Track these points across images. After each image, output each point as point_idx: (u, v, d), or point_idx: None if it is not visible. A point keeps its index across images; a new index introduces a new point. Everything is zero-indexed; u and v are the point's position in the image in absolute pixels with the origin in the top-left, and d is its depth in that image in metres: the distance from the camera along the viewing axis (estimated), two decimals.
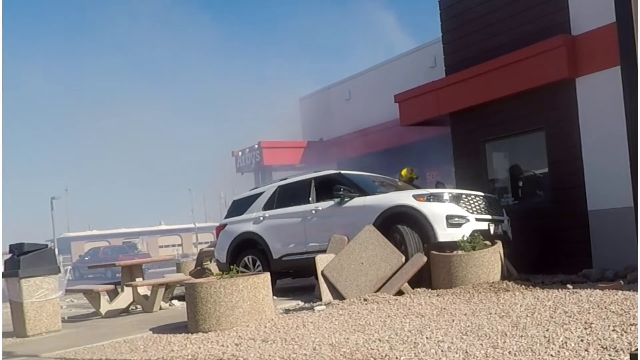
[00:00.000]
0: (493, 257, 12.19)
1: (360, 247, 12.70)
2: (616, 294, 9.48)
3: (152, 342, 9.57)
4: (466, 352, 6.79)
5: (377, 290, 12.19)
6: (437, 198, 13.03)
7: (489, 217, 13.41)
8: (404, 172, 17.73)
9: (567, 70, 14.09)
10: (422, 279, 12.55)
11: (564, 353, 6.34)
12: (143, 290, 14.60)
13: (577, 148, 14.12)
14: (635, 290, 9.47)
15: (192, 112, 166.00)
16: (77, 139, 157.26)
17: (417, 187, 15.76)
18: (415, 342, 7.49)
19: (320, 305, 11.83)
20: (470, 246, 12.30)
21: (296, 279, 17.12)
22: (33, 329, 11.77)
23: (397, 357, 6.87)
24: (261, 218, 15.54)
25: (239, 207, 16.57)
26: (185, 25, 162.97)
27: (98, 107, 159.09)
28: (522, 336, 7.27)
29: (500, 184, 16.42)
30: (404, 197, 13.31)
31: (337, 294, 12.46)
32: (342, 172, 15.19)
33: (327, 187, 14.48)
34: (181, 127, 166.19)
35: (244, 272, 13.37)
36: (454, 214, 12.80)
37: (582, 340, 6.72)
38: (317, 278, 12.92)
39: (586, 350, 6.35)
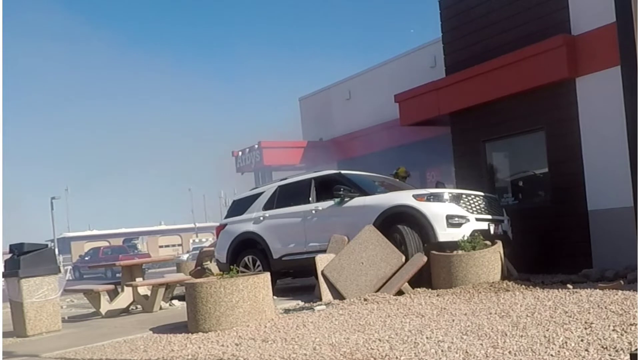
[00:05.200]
0: (493, 257, 12.18)
1: (360, 247, 12.69)
2: (616, 294, 9.48)
3: (152, 342, 9.55)
4: (466, 352, 6.77)
5: (377, 290, 12.18)
6: (437, 198, 13.00)
7: (489, 217, 13.39)
8: (402, 170, 17.72)
9: (567, 70, 14.10)
10: (422, 279, 12.52)
11: (564, 353, 6.32)
12: (143, 290, 14.58)
13: (577, 148, 14.13)
14: (636, 290, 9.46)
15: (193, 112, 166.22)
16: (77, 139, 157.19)
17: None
18: (415, 342, 7.47)
19: (321, 305, 11.86)
20: (471, 246, 12.29)
21: (296, 278, 17.15)
22: (33, 328, 11.76)
23: (397, 357, 6.84)
24: (261, 218, 15.51)
25: (239, 207, 16.55)
26: (186, 25, 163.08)
27: (98, 107, 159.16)
28: (522, 336, 7.26)
29: (500, 184, 16.42)
30: (404, 197, 13.28)
31: (337, 294, 12.47)
32: (342, 172, 15.18)
33: (327, 187, 14.47)
34: (181, 127, 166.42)
35: (244, 272, 13.35)
36: (454, 213, 12.77)
37: (582, 340, 6.70)
38: (317, 278, 12.93)
39: (586, 350, 6.34)
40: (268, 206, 15.62)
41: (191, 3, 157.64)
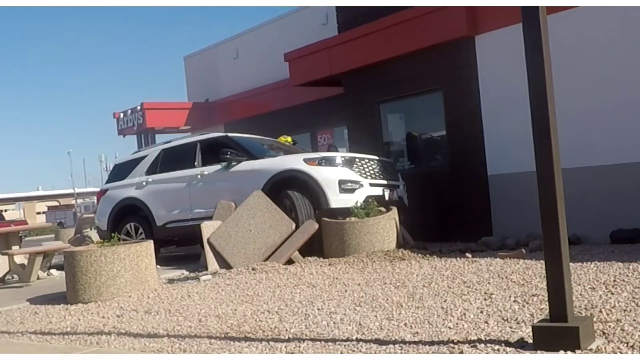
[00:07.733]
0: (388, 224, 12.02)
1: (248, 213, 12.57)
2: (517, 263, 9.43)
3: (30, 314, 9.53)
4: (360, 323, 6.69)
5: (266, 259, 12.06)
6: (329, 162, 12.86)
7: (384, 182, 13.29)
8: (285, 140, 17.35)
9: (465, 28, 13.82)
10: (314, 248, 12.44)
11: (463, 325, 6.20)
12: (20, 259, 14.20)
13: (477, 109, 13.92)
14: (538, 259, 9.32)
15: (74, 71, 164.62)
16: None
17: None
18: (306, 314, 7.47)
19: (206, 274, 11.76)
20: (364, 212, 12.13)
21: (181, 247, 17.03)
22: None
23: (286, 329, 6.80)
24: (144, 183, 15.29)
25: (121, 171, 16.33)
26: None
27: None
28: (418, 307, 7.18)
29: (396, 147, 16.27)
30: (295, 161, 13.15)
31: (224, 263, 12.39)
32: (229, 134, 15.20)
33: (213, 151, 14.29)
34: (61, 86, 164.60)
35: (125, 240, 13.31)
36: (346, 178, 12.63)
37: (481, 312, 6.62)
38: (202, 246, 12.81)
39: (486, 322, 6.21)
40: (151, 171, 15.38)
41: None
